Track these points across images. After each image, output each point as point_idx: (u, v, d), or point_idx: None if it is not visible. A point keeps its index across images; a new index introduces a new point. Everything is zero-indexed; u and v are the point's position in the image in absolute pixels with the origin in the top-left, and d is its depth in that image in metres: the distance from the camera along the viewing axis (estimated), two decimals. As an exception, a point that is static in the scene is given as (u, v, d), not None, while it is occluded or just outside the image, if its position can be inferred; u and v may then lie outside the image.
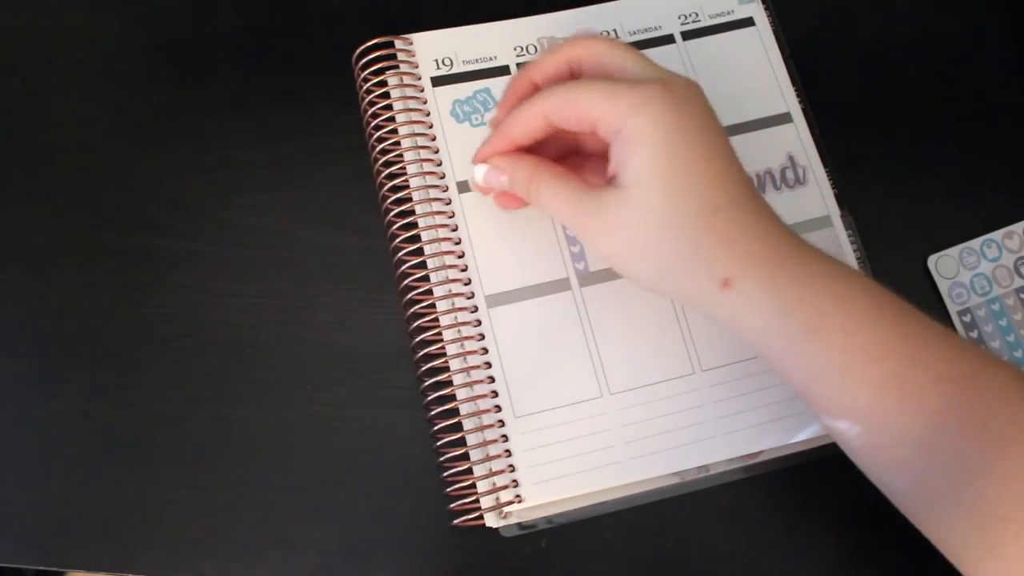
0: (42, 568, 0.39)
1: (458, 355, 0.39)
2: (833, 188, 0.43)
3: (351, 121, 0.44)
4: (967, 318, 0.43)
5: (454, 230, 0.41)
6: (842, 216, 0.43)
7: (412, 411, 0.39)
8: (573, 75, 0.37)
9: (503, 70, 0.45)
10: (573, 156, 0.39)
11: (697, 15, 0.47)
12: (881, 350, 0.31)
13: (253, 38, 0.47)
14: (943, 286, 0.44)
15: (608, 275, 0.41)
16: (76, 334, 0.42)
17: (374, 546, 0.39)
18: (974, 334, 0.43)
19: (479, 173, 0.38)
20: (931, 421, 0.30)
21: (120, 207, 0.44)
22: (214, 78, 0.46)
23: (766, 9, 0.47)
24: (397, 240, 0.41)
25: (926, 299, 0.44)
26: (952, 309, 0.43)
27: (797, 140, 0.44)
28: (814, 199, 0.43)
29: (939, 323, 0.32)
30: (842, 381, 0.31)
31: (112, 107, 0.46)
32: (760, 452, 0.39)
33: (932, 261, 0.44)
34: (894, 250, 0.44)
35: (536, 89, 0.37)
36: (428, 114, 0.44)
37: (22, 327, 0.42)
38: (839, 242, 0.42)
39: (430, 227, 0.41)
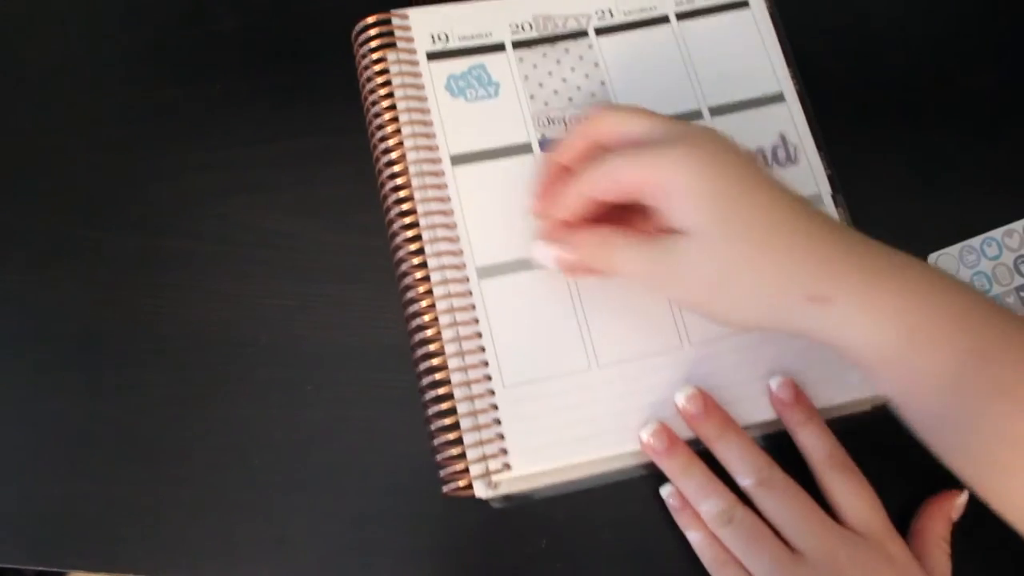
0: (42, 568, 0.39)
1: (450, 325, 0.39)
2: (826, 170, 0.43)
3: (351, 120, 0.44)
4: (967, 317, 0.43)
5: (446, 202, 0.42)
6: (833, 195, 0.43)
7: (412, 411, 0.39)
8: (598, 148, 0.37)
9: (498, 47, 0.45)
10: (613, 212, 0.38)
11: None
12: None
13: (253, 37, 0.47)
14: (943, 285, 0.44)
15: None
16: (76, 334, 0.42)
17: (374, 546, 0.39)
18: (974, 333, 0.43)
19: (544, 254, 0.38)
20: None
21: (120, 207, 0.44)
22: (214, 77, 0.46)
23: (762, -10, 0.47)
24: (392, 212, 0.41)
25: (926, 298, 0.44)
26: (952, 308, 0.43)
27: (789, 120, 0.44)
28: (805, 178, 0.43)
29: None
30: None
31: (112, 107, 0.46)
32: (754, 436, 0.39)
33: (932, 259, 0.44)
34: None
35: (566, 171, 0.38)
36: (423, 88, 0.44)
37: (22, 327, 0.42)
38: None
39: (424, 200, 0.41)
